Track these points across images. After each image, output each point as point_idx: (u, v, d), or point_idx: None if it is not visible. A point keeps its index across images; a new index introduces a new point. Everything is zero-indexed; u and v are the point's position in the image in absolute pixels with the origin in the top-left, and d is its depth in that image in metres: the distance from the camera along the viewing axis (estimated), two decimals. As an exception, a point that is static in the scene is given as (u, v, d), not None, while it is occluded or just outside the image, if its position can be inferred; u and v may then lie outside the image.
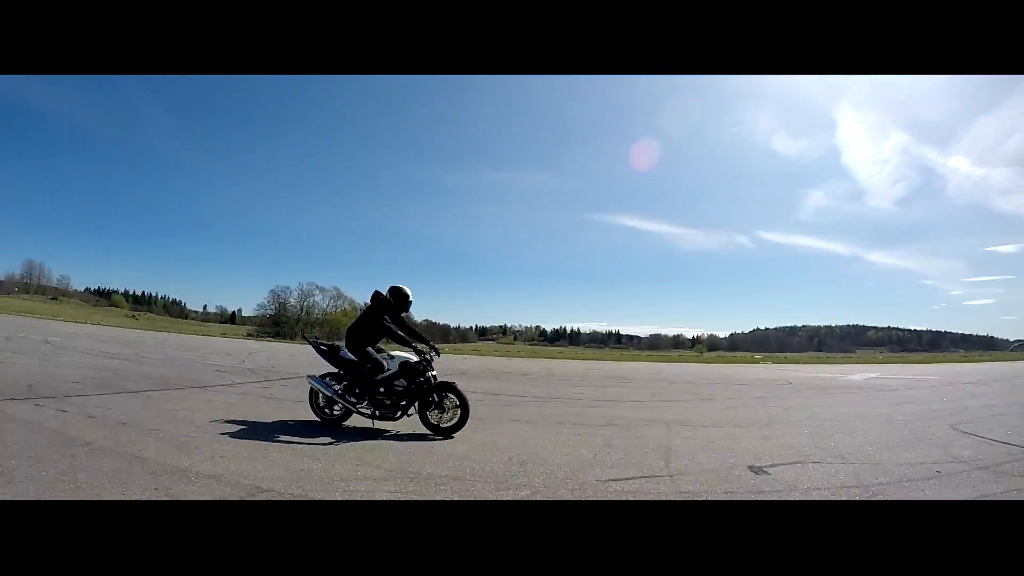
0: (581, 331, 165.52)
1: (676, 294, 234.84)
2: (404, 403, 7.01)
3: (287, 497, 3.97)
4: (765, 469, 5.46)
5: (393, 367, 7.05)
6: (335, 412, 7.21)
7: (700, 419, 9.01)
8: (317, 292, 79.48)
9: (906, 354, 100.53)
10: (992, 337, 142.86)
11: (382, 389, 7.01)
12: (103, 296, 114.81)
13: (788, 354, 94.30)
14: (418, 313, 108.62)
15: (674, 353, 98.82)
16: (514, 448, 6.20)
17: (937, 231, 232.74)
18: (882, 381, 18.67)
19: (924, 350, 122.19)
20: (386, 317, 7.16)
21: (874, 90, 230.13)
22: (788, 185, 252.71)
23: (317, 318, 77.05)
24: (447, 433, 6.74)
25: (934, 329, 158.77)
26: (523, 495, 4.41)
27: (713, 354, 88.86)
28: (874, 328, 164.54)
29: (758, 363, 41.48)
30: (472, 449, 6.05)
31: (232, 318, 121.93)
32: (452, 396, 6.97)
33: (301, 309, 77.84)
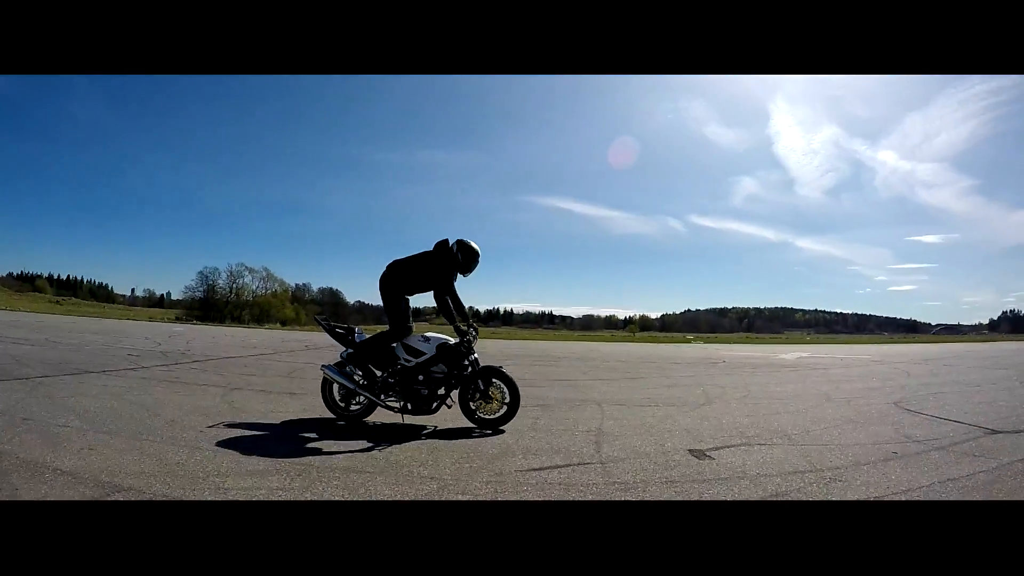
0: (514, 312, 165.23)
1: (609, 276, 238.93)
2: (443, 392, 5.87)
3: (146, 496, 3.41)
4: (708, 453, 4.83)
5: (429, 350, 5.87)
6: (354, 407, 5.99)
7: (633, 399, 8.38)
8: (247, 273, 76.43)
9: (833, 335, 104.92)
10: (915, 321, 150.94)
11: (420, 377, 5.85)
12: (27, 281, 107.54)
13: (719, 334, 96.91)
14: (351, 294, 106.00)
15: (607, 333, 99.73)
16: (426, 432, 5.47)
17: (864, 220, 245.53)
18: (814, 360, 18.75)
19: (850, 332, 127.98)
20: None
21: (809, 85, 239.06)
22: (721, 172, 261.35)
23: (247, 300, 74.38)
24: (495, 426, 5.70)
25: (860, 312, 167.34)
26: (429, 489, 3.70)
27: (645, 334, 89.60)
28: (802, 311, 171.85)
29: (690, 343, 42.04)
30: (380, 434, 5.26)
31: (160, 301, 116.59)
32: (498, 382, 5.90)
33: (231, 291, 74.92)
